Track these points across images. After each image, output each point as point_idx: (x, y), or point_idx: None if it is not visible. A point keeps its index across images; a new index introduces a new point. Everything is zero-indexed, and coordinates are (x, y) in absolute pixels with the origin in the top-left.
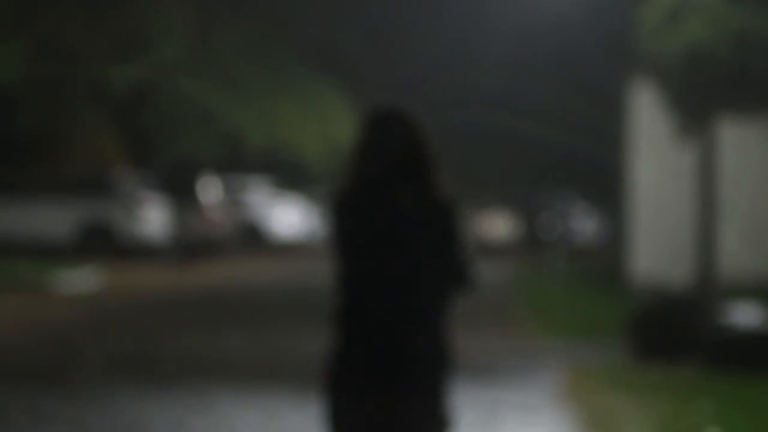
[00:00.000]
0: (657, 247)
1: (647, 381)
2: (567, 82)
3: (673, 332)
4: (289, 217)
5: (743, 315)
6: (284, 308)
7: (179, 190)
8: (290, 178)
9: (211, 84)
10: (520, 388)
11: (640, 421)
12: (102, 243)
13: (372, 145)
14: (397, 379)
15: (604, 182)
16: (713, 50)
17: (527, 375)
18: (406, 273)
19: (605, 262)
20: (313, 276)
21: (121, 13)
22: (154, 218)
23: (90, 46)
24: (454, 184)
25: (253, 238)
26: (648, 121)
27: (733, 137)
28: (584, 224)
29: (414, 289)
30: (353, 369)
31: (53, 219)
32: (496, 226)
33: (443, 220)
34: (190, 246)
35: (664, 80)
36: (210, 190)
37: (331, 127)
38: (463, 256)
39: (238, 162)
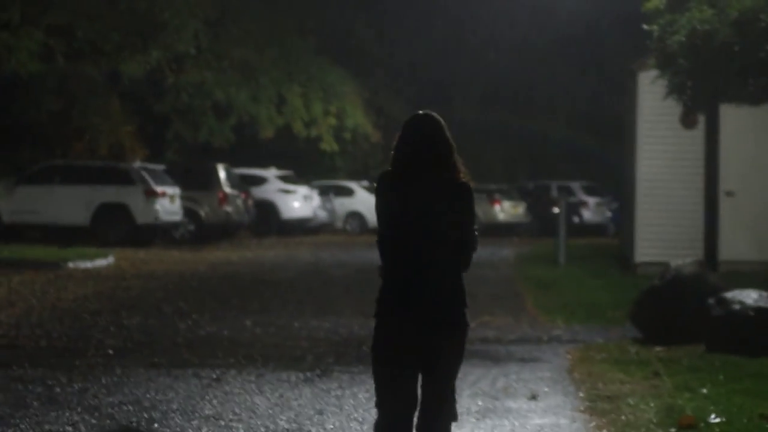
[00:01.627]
0: (660, 235)
1: (646, 358)
2: (578, 68)
3: (675, 315)
4: (299, 203)
5: (744, 299)
6: (292, 286)
7: (195, 177)
8: (303, 166)
9: (225, 74)
10: (528, 366)
11: (637, 392)
12: (119, 227)
13: (409, 140)
14: (430, 316)
15: (610, 170)
16: (713, 35)
17: (535, 355)
18: (431, 238)
19: (613, 249)
20: (319, 257)
21: (135, 3)
22: (170, 204)
23: (104, 37)
24: (470, 171)
25: (264, 222)
26: (652, 107)
27: (735, 124)
28: (593, 212)
29: (437, 251)
30: (393, 305)
31: (73, 204)
32: (507, 211)
33: (460, 198)
34: (206, 230)
35: (666, 66)
36: (225, 178)
37: (345, 118)
38: (473, 228)
39: (252, 150)
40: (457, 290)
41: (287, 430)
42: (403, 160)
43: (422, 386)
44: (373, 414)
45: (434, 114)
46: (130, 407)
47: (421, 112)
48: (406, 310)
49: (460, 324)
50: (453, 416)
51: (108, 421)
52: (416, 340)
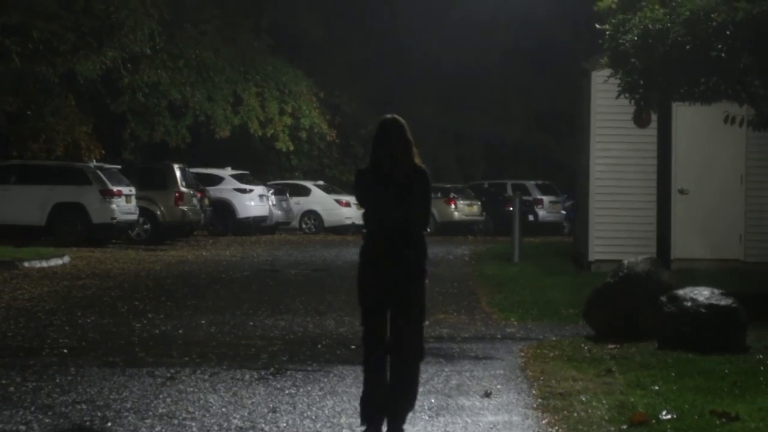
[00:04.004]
0: (614, 233)
1: (599, 356)
2: (532, 68)
3: (628, 312)
4: (254, 202)
5: (696, 296)
6: (248, 285)
7: (151, 176)
8: (258, 166)
9: (181, 74)
10: (481, 364)
11: (589, 389)
12: (75, 227)
13: (380, 139)
14: (396, 263)
15: (564, 169)
16: (665, 34)
17: (489, 353)
18: (401, 211)
19: (567, 247)
20: (275, 256)
21: (91, 3)
22: (125, 204)
23: (60, 37)
24: (434, 170)
25: (220, 222)
26: (605, 106)
27: (688, 122)
28: (548, 211)
29: (405, 220)
30: (372, 256)
31: (29, 204)
32: (462, 210)
33: (420, 180)
34: (162, 229)
35: (619, 65)
36: (180, 177)
37: (300, 117)
38: (429, 200)
39: (208, 150)
40: (420, 245)
41: (241, 428)
42: (377, 155)
43: (395, 329)
44: (326, 411)
45: (398, 117)
46: (84, 406)
47: (389, 116)
48: (383, 259)
49: (420, 268)
50: (420, 354)
51: (62, 420)
52: (389, 279)
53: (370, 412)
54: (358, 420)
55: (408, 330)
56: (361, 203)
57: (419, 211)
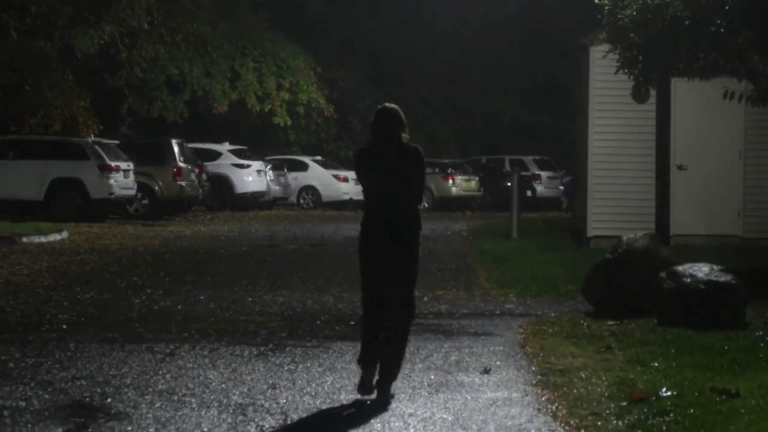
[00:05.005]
0: (612, 209)
1: (598, 332)
2: (531, 43)
3: (627, 288)
4: (252, 178)
5: (695, 272)
6: (246, 261)
7: (149, 152)
8: (256, 141)
9: (179, 48)
10: (480, 340)
11: (588, 366)
12: (73, 202)
13: (377, 123)
14: (394, 235)
15: (563, 144)
16: (664, 9)
17: (487, 329)
18: (397, 187)
19: (566, 223)
20: (273, 232)
21: None
22: (124, 179)
23: (58, 12)
24: (423, 145)
25: (218, 197)
26: (603, 82)
27: (687, 98)
28: (546, 186)
29: (401, 195)
30: (372, 228)
31: (27, 179)
32: (460, 185)
33: (413, 158)
34: (160, 205)
35: (618, 40)
36: (178, 152)
37: (298, 92)
38: (423, 176)
39: (206, 125)
40: (414, 217)
41: (240, 404)
42: (375, 137)
43: (391, 292)
44: (325, 388)
45: (394, 105)
46: (84, 382)
47: (386, 104)
48: (381, 229)
49: (414, 239)
50: (412, 313)
51: (61, 396)
52: (386, 247)
53: (366, 360)
54: (358, 396)
55: (402, 292)
56: (360, 180)
57: (413, 187)
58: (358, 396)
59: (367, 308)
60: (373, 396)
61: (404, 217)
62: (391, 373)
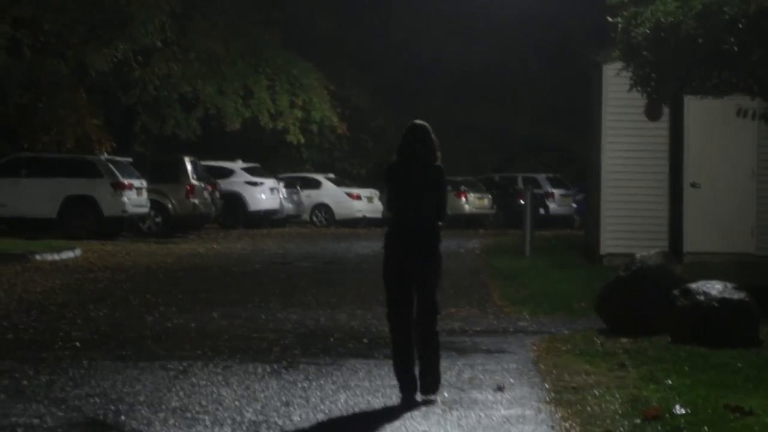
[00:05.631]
0: (626, 226)
1: (611, 350)
2: (544, 60)
3: (640, 306)
4: (265, 195)
5: (708, 290)
6: (259, 278)
7: (162, 169)
8: (269, 159)
9: (192, 66)
10: (494, 358)
11: (602, 383)
12: (86, 220)
13: (407, 140)
14: (417, 246)
15: (575, 162)
16: (678, 27)
17: (501, 346)
18: (421, 202)
19: (579, 241)
20: (286, 249)
21: None
22: (137, 196)
23: (71, 30)
24: (444, 163)
25: (231, 215)
26: (617, 99)
27: (700, 116)
28: (559, 204)
29: (424, 210)
30: (395, 241)
31: (40, 197)
32: (473, 203)
33: (438, 175)
34: (173, 222)
35: (631, 58)
36: (191, 170)
37: (311, 110)
38: (445, 194)
39: (219, 143)
40: (435, 232)
41: (254, 422)
42: (404, 153)
43: (417, 299)
44: (339, 405)
45: (424, 123)
46: (97, 399)
47: (417, 121)
48: (404, 243)
49: (435, 253)
50: (438, 311)
51: (75, 414)
52: (409, 262)
53: (404, 381)
54: (371, 413)
55: (428, 297)
56: (388, 192)
57: (437, 203)
58: (392, 403)
59: (392, 317)
60: (417, 396)
61: (427, 233)
62: (430, 374)
